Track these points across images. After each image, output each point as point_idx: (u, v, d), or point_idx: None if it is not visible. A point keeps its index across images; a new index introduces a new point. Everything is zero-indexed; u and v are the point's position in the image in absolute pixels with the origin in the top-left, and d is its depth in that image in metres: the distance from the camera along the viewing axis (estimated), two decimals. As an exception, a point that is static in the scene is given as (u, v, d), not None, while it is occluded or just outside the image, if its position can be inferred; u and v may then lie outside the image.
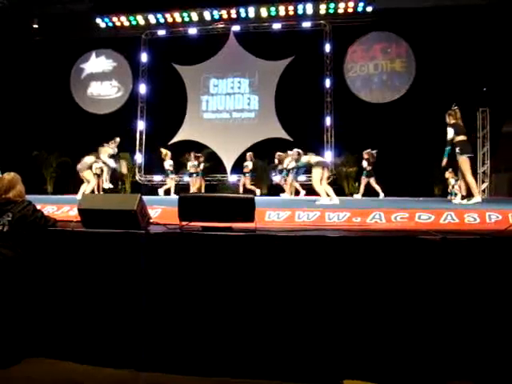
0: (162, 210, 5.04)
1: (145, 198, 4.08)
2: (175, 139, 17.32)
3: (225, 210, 3.94)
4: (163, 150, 14.44)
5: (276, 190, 14.25)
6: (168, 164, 14.22)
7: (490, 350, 3.36)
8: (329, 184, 9.68)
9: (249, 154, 14.80)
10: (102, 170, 13.90)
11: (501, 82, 13.90)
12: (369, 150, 13.07)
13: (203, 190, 14.50)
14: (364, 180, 13.17)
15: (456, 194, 12.68)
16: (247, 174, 14.70)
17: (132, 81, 18.00)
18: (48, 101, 17.07)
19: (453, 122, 8.17)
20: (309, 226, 4.44)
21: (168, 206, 5.26)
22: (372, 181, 13.04)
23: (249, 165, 14.65)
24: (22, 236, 3.87)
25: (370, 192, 12.95)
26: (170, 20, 17.22)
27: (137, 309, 3.79)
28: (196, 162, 14.36)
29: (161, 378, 3.64)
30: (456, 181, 13.10)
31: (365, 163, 13.14)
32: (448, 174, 13.36)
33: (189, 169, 14.44)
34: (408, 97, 15.55)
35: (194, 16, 16.93)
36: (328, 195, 8.83)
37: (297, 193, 13.52)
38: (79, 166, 10.61)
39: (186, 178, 15.09)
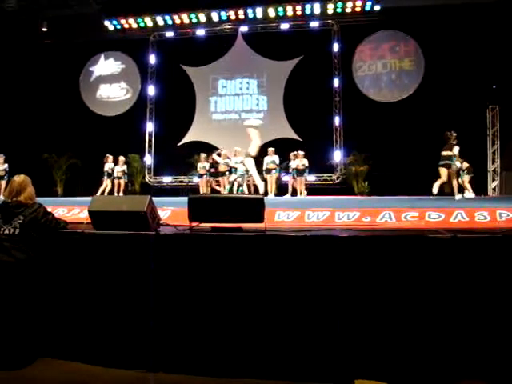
0: (171, 211, 5.06)
1: (154, 199, 4.09)
2: (184, 140, 17.36)
3: (234, 210, 3.94)
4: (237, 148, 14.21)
5: (286, 189, 14.20)
6: (233, 162, 13.98)
7: (502, 348, 3.34)
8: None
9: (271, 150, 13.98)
10: (124, 173, 14.17)
11: (511, 79, 13.81)
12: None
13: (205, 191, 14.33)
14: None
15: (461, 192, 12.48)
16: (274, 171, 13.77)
17: (140, 82, 18.06)
18: (58, 104, 17.18)
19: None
20: (319, 226, 4.43)
21: (178, 207, 5.27)
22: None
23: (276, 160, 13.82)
24: (33, 238, 3.89)
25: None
26: (177, 21, 17.25)
27: (146, 310, 3.81)
28: (206, 164, 14.34)
29: (170, 378, 3.64)
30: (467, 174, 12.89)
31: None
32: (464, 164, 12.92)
33: (199, 170, 14.42)
34: (417, 95, 15.47)
35: (202, 17, 16.95)
36: None
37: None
38: None
39: (196, 179, 15.12)
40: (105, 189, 14.15)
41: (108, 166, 14.31)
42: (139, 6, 17.02)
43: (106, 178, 14.23)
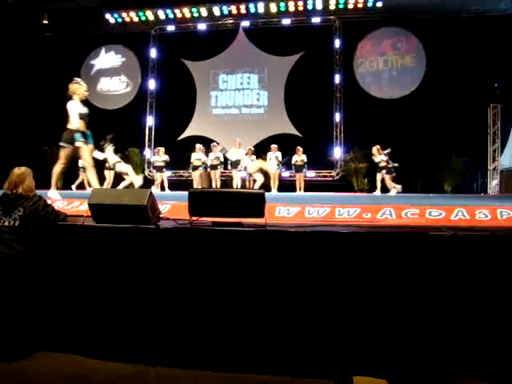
0: (171, 205, 5.04)
1: (154, 192, 4.08)
2: (184, 135, 17.33)
3: (235, 205, 3.93)
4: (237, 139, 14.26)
5: (286, 185, 14.18)
6: (231, 154, 14.07)
7: (504, 346, 3.34)
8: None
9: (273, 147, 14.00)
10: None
11: (512, 77, 13.81)
12: None
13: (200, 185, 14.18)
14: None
15: None
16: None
17: (141, 76, 18.01)
18: (58, 96, 17.04)
19: None
20: (319, 221, 4.42)
21: (178, 201, 5.26)
22: None
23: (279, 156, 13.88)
24: (33, 230, 3.89)
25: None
26: (179, 15, 17.18)
27: (146, 303, 3.80)
28: (202, 156, 14.22)
29: (169, 372, 3.65)
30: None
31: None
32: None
33: (192, 162, 14.22)
34: (418, 93, 15.45)
35: (204, 11, 16.88)
36: None
37: None
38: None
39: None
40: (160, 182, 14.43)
41: (155, 159, 14.66)
42: (140, -1, 16.99)
43: (155, 172, 14.68)
